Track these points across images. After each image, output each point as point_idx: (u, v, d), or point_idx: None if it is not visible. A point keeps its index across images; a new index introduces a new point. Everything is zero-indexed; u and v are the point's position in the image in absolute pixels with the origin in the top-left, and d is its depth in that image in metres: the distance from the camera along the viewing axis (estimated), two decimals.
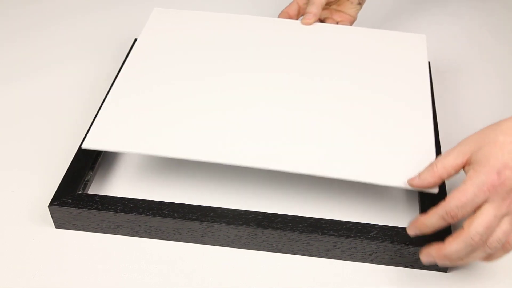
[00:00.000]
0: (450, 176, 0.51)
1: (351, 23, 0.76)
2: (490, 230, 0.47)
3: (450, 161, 0.50)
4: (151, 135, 0.56)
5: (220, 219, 0.55)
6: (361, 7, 0.76)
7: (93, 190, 0.61)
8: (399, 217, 0.59)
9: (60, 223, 0.58)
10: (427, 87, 0.63)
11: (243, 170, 0.59)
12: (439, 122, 0.68)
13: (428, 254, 0.51)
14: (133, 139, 0.56)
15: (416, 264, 0.55)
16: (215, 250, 0.57)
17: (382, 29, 0.73)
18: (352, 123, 0.59)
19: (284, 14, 0.75)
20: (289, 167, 0.54)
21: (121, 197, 0.56)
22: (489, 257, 0.50)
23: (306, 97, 0.61)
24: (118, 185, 0.62)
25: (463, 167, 0.50)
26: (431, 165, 0.51)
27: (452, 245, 0.48)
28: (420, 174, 0.52)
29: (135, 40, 0.76)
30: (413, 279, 0.55)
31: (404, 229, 0.54)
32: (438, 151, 0.61)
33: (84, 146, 0.55)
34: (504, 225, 0.48)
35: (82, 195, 0.57)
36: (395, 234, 0.54)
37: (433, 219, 0.49)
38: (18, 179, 0.63)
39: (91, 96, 0.73)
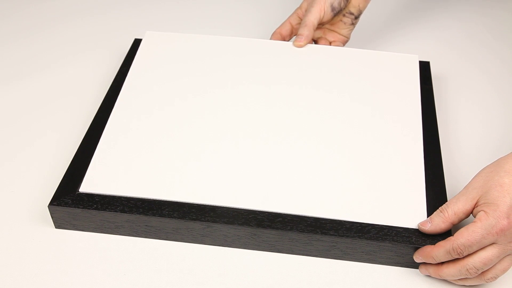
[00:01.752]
0: (460, 220, 0.53)
1: (344, 43, 0.76)
2: (487, 266, 0.50)
3: (460, 207, 0.52)
4: (143, 178, 0.57)
5: (220, 219, 0.55)
6: (354, 27, 0.76)
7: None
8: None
9: (60, 223, 0.58)
10: (418, 116, 0.64)
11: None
12: (439, 124, 0.68)
13: (425, 269, 0.54)
14: (126, 182, 0.57)
15: (416, 264, 0.55)
16: (215, 250, 0.57)
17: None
18: (343, 159, 0.60)
19: (277, 35, 0.75)
20: (280, 208, 0.55)
21: (121, 197, 0.56)
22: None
23: (300, 131, 0.62)
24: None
25: (472, 211, 0.52)
26: (441, 210, 0.53)
27: (449, 269, 0.52)
28: (431, 220, 0.53)
29: (135, 40, 0.76)
30: (413, 279, 0.55)
31: (404, 229, 0.54)
32: (439, 158, 0.62)
33: (81, 190, 0.57)
34: (505, 263, 0.51)
35: (81, 195, 0.57)
36: (395, 234, 0.54)
37: (440, 252, 0.51)
38: (18, 179, 0.63)
39: (91, 96, 0.73)
